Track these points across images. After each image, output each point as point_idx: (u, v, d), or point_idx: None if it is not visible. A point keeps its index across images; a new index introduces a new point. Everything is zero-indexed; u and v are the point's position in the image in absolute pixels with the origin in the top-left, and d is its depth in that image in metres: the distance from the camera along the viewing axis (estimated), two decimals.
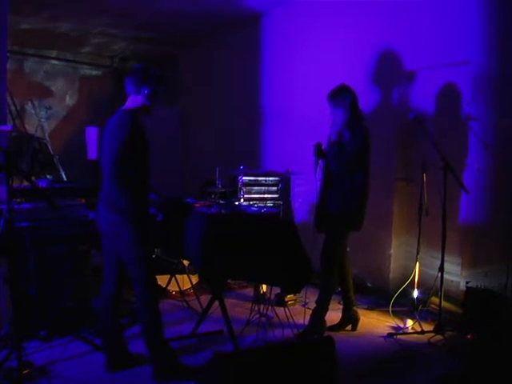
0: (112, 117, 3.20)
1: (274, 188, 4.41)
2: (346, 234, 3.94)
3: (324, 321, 3.94)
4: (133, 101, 3.19)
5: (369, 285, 5.07)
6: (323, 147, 3.93)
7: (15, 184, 3.25)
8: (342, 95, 3.84)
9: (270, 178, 4.45)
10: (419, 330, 3.94)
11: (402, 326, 4.09)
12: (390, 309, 4.20)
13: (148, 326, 3.19)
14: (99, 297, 3.34)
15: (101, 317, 3.35)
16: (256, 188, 4.31)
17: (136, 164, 3.05)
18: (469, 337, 3.62)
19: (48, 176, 5.55)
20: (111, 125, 3.16)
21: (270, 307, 3.98)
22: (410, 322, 4.08)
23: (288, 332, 3.85)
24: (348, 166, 3.80)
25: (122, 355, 3.33)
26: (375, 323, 4.24)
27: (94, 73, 8.88)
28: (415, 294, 4.18)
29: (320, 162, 3.91)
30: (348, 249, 4.07)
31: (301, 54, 5.91)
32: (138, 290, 3.15)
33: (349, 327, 4.07)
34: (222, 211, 3.65)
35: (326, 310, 3.94)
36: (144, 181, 3.12)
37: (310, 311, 3.99)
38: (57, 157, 6.20)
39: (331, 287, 3.96)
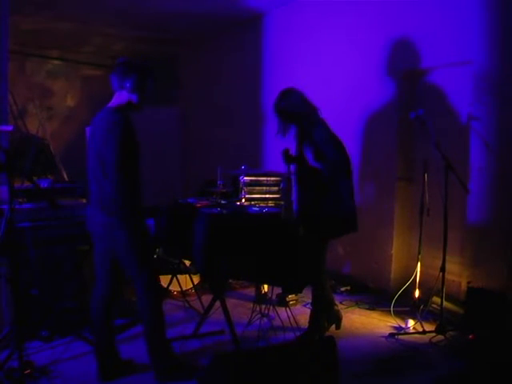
0: (97, 115, 3.08)
1: (276, 188, 4.39)
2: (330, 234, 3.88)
3: (324, 321, 3.93)
4: (118, 97, 3.08)
5: (370, 285, 5.06)
6: (290, 152, 3.81)
7: (16, 184, 3.24)
8: (278, 102, 3.76)
9: (272, 178, 4.43)
10: (420, 330, 3.93)
11: (403, 325, 4.09)
12: (392, 309, 4.21)
13: (151, 327, 3.13)
14: (91, 300, 3.20)
15: (93, 321, 3.20)
16: (257, 188, 4.29)
17: (130, 165, 2.93)
18: (470, 337, 3.61)
19: (49, 176, 5.55)
20: (98, 124, 3.03)
21: (271, 307, 3.97)
22: (411, 322, 4.07)
23: (289, 332, 3.85)
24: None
25: (113, 363, 3.19)
26: (376, 323, 4.24)
27: (95, 73, 8.88)
28: (416, 293, 4.17)
29: (291, 167, 3.81)
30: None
31: (302, 54, 5.91)
32: (140, 291, 3.08)
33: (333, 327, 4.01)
34: (224, 211, 3.64)
35: (323, 310, 3.91)
36: (137, 181, 3.00)
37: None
38: (58, 157, 6.22)
39: (325, 287, 3.92)
